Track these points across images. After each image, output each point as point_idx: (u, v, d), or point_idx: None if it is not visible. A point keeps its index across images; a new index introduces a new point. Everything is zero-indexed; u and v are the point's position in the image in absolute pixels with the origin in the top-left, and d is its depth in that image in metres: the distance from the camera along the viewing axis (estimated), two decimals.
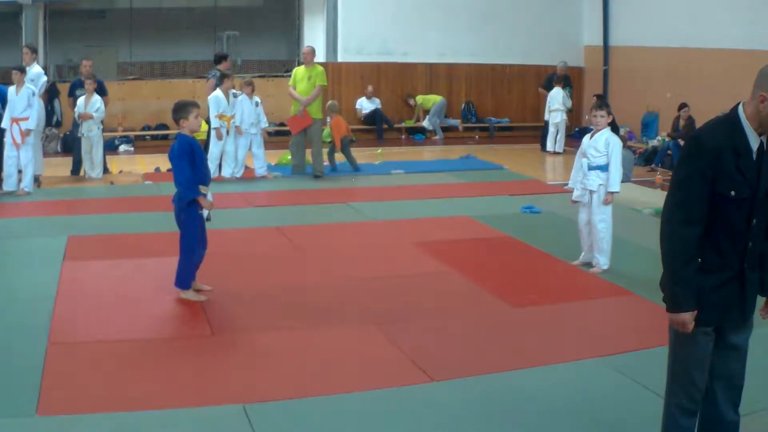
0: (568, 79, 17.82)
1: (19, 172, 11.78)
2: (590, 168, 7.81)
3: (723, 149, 3.45)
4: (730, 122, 3.50)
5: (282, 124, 16.64)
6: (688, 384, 3.68)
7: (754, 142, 3.47)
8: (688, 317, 3.53)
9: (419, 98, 19.61)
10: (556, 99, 16.99)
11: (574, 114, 18.81)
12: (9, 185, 11.63)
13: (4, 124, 11.64)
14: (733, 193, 3.45)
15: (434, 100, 19.53)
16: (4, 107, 11.71)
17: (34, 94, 11.73)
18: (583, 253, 8.10)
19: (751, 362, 5.54)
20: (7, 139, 11.67)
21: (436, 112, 19.51)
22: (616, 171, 7.76)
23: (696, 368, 3.67)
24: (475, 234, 9.48)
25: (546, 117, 17.33)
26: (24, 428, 4.51)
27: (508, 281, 7.58)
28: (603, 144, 7.74)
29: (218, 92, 12.76)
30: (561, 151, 16.88)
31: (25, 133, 11.59)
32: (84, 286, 7.18)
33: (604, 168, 7.76)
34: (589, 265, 7.95)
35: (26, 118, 11.59)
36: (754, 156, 3.47)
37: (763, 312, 3.79)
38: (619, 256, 7.96)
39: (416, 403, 4.92)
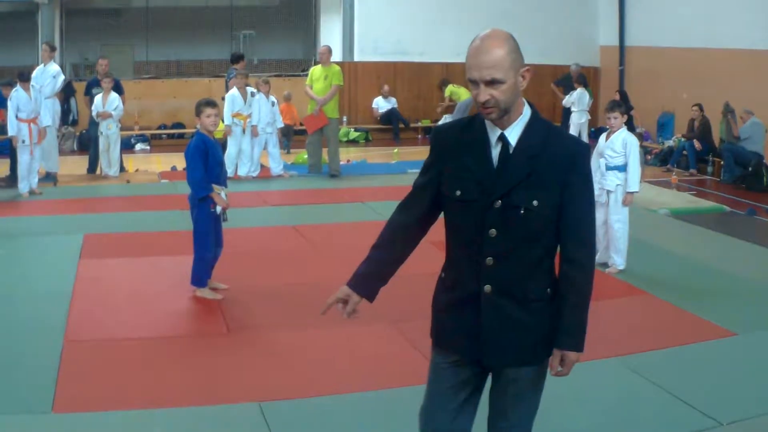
0: (585, 78, 17.71)
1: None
2: (608, 168, 7.81)
3: (450, 143, 2.97)
4: (473, 116, 2.97)
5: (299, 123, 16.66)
6: (424, 408, 3.23)
7: (493, 134, 2.89)
8: (345, 290, 3.21)
9: (450, 88, 19.15)
10: (583, 100, 16.86)
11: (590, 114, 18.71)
12: (24, 187, 11.59)
13: (12, 130, 11.50)
14: (458, 193, 2.91)
15: (465, 95, 19.34)
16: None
17: (39, 92, 11.75)
18: (598, 254, 8.07)
19: (749, 367, 5.55)
20: (20, 143, 11.62)
21: (461, 110, 19.36)
22: (635, 171, 7.74)
23: (430, 395, 3.21)
24: None
25: (569, 116, 17.18)
26: (40, 425, 4.53)
27: None
28: (620, 144, 7.74)
29: (235, 91, 12.77)
30: None
31: (42, 132, 11.64)
32: (100, 284, 7.20)
33: (622, 168, 7.76)
34: (604, 265, 7.91)
35: (36, 117, 11.63)
36: (492, 152, 2.89)
37: (551, 368, 3.14)
38: (635, 257, 7.92)
39: None
